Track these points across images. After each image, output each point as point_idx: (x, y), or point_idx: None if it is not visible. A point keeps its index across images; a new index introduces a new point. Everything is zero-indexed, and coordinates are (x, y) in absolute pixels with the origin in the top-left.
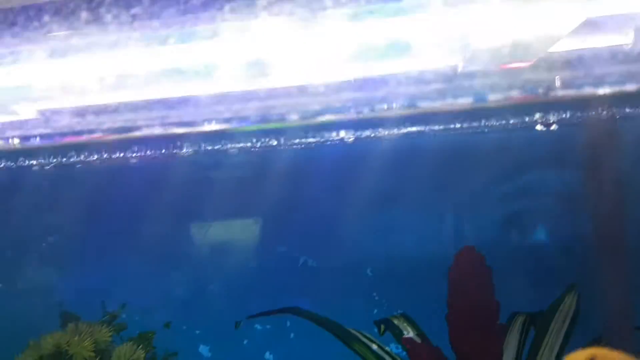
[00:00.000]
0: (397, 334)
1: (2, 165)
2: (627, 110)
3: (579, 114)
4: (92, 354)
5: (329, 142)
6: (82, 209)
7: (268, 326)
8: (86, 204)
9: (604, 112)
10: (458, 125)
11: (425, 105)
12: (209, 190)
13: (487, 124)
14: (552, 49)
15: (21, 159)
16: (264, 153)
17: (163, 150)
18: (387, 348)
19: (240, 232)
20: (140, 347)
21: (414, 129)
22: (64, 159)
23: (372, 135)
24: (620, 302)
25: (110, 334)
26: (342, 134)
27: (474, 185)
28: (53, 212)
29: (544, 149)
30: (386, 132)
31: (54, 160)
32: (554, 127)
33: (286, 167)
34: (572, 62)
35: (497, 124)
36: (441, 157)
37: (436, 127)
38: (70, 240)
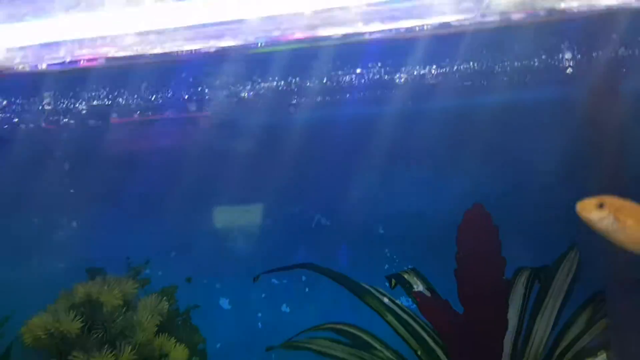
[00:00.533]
0: (408, 288)
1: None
2: None
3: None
4: (121, 302)
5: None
6: (105, 163)
7: (284, 281)
8: (109, 159)
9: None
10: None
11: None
12: (229, 147)
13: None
14: None
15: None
16: (282, 114)
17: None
18: (398, 301)
19: (257, 191)
20: (164, 299)
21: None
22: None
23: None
24: (621, 257)
25: (137, 286)
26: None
27: (481, 143)
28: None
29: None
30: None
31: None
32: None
33: (301, 128)
34: None
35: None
36: (450, 116)
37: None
38: (96, 197)
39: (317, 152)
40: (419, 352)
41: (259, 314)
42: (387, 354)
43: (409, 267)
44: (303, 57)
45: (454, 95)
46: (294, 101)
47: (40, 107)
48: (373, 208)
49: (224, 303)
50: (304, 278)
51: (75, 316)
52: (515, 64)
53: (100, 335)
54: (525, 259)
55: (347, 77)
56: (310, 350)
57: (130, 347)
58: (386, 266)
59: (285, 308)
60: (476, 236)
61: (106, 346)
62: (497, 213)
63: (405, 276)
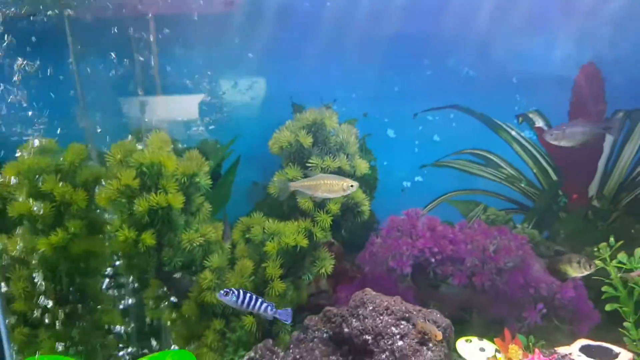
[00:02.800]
0: (531, 124)
1: None
2: None
3: None
4: (337, 126)
5: None
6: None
7: (437, 117)
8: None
9: None
10: None
11: None
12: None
13: None
14: None
15: None
16: None
17: None
18: (522, 133)
19: (418, 45)
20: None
21: None
22: None
23: None
24: None
25: (337, 115)
26: None
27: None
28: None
29: None
30: None
31: None
32: None
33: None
34: None
35: None
36: None
37: None
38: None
39: (476, 18)
40: (534, 170)
41: (416, 142)
42: (511, 171)
43: (533, 108)
44: None
45: None
46: None
47: None
48: (509, 63)
49: (390, 133)
50: (452, 115)
51: (307, 133)
52: None
53: (322, 149)
54: (622, 104)
55: None
56: (453, 167)
57: (345, 156)
58: (516, 107)
59: (436, 138)
60: (587, 86)
61: (328, 156)
62: (605, 68)
63: (530, 115)
